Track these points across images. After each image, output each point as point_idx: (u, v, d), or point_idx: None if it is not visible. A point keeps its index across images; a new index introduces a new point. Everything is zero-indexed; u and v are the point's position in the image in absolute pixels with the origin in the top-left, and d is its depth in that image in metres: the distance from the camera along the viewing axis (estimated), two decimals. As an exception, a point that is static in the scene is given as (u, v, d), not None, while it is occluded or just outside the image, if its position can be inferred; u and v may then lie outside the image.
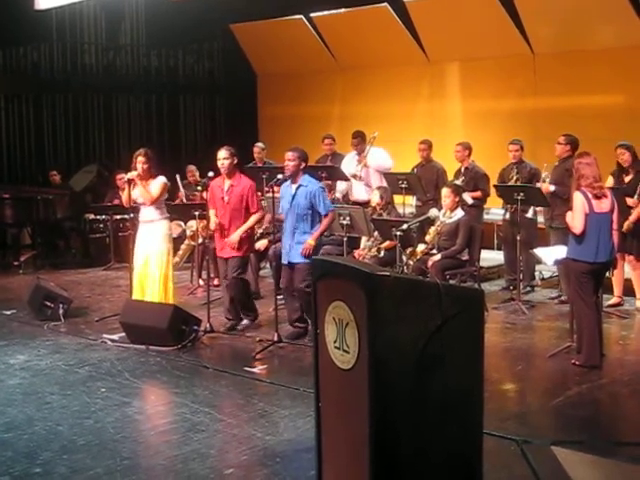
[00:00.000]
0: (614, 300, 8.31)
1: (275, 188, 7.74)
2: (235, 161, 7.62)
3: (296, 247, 7.21)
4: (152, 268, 7.76)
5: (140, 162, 7.74)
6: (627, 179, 8.21)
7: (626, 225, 7.93)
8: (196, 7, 11.90)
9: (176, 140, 14.80)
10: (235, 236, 7.53)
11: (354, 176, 10.00)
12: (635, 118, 9.96)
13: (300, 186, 7.22)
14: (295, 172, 7.23)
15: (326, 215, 7.26)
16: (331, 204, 7.34)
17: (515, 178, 8.96)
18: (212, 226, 7.83)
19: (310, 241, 7.17)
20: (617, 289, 8.35)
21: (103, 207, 11.57)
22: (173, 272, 8.09)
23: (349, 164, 10.16)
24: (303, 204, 7.19)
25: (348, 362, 3.73)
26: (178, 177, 10.46)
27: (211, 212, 7.80)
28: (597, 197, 6.38)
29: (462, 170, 9.51)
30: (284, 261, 7.38)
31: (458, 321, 3.63)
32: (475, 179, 9.40)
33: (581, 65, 10.65)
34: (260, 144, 11.07)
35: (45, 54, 13.39)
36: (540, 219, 9.04)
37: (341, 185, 10.14)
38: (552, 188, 8.46)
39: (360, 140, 10.15)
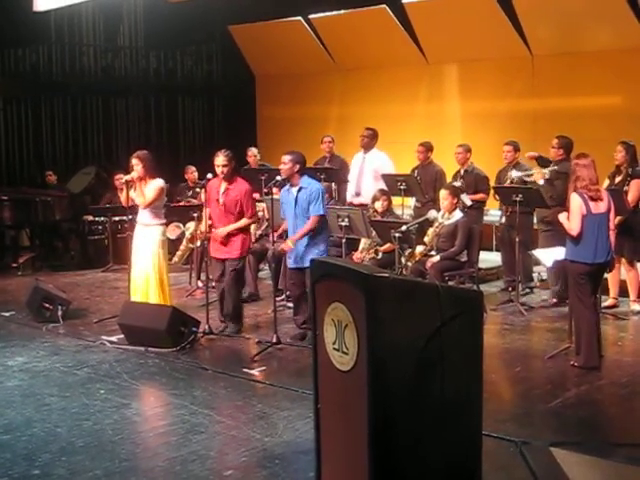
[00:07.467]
0: (610, 302, 8.29)
1: (274, 189, 7.73)
2: (233, 165, 7.58)
3: (309, 251, 7.06)
4: (146, 272, 7.74)
5: (134, 164, 7.77)
6: (617, 180, 8.07)
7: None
8: (194, 9, 11.93)
9: (174, 141, 14.81)
10: (222, 230, 7.50)
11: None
12: (633, 119, 9.96)
13: (301, 189, 7.17)
14: (290, 174, 7.18)
15: (315, 217, 7.11)
16: (325, 210, 7.22)
17: (510, 180, 8.95)
18: (202, 227, 7.93)
19: (289, 242, 7.14)
20: (613, 291, 8.34)
21: (102, 209, 11.56)
22: (168, 275, 8.03)
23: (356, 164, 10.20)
24: (306, 206, 7.14)
25: (347, 364, 3.73)
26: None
27: (206, 212, 7.80)
28: (593, 199, 6.38)
29: (461, 172, 9.51)
30: (291, 265, 7.29)
31: (457, 322, 3.63)
32: (476, 181, 9.40)
33: (579, 67, 10.67)
34: (254, 149, 10.94)
35: (44, 56, 13.39)
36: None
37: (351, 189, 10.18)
38: (534, 154, 8.70)
39: (371, 134, 10.05)
